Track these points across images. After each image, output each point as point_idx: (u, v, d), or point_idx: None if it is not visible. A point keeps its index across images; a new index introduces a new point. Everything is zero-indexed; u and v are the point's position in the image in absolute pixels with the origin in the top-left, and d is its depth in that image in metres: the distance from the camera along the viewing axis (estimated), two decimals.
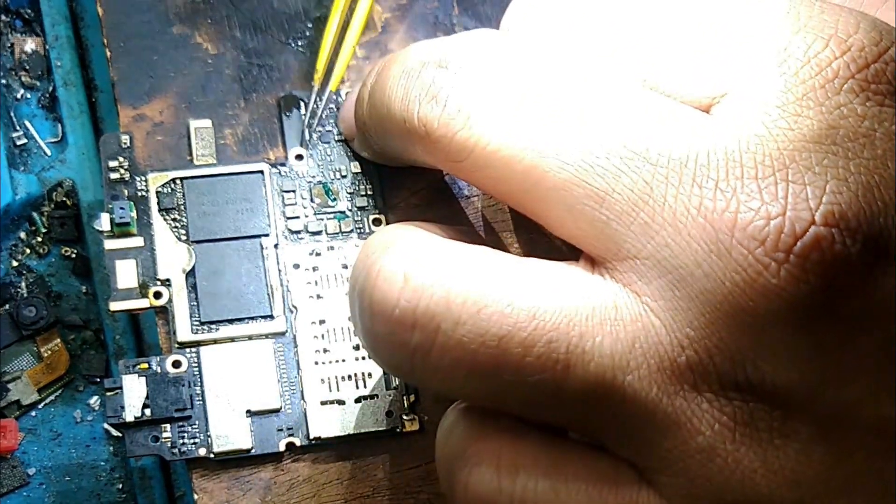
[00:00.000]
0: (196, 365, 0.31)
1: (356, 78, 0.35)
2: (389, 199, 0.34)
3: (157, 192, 0.33)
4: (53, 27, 0.42)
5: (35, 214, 0.40)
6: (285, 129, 0.34)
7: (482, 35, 0.27)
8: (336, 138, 0.35)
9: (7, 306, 0.39)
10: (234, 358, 0.32)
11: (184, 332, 0.32)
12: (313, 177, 0.34)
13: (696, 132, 0.25)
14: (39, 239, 0.40)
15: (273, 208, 0.33)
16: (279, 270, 0.33)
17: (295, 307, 0.32)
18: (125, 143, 0.33)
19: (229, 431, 0.31)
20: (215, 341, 0.32)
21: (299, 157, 0.34)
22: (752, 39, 0.25)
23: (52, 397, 0.39)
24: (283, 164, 0.34)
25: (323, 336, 0.32)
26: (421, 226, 0.28)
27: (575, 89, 0.26)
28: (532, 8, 0.28)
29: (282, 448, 0.31)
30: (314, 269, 0.33)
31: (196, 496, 0.31)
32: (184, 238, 0.33)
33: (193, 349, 0.32)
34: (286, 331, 0.32)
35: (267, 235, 0.33)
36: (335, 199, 0.34)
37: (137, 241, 0.32)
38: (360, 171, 0.34)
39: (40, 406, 0.38)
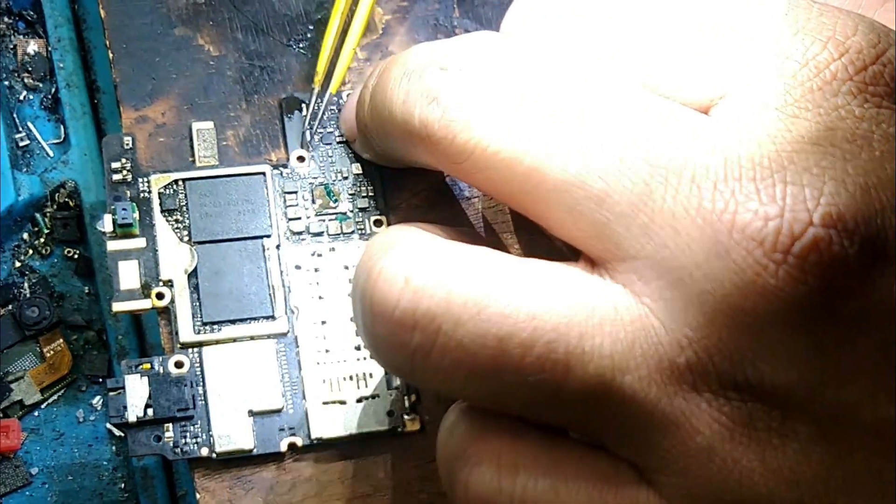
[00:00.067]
0: (198, 365, 0.32)
1: (357, 80, 0.35)
2: (391, 200, 0.34)
3: (160, 194, 0.33)
4: (56, 29, 0.42)
5: (38, 215, 0.40)
6: (287, 131, 0.35)
7: (483, 37, 0.27)
8: (337, 140, 0.35)
9: (10, 307, 0.39)
10: (236, 358, 0.32)
11: (186, 332, 0.32)
12: (315, 178, 0.34)
13: (696, 134, 0.25)
14: (42, 240, 0.40)
15: (275, 209, 0.33)
16: (281, 271, 0.33)
17: (296, 308, 0.33)
18: (127, 145, 0.33)
19: (231, 431, 0.31)
20: (217, 342, 0.32)
21: (301, 158, 0.34)
22: (750, 42, 0.25)
23: (54, 397, 0.39)
24: (284, 166, 0.34)
25: (324, 336, 0.32)
26: (422, 227, 0.28)
27: (575, 91, 0.26)
28: (532, 10, 0.28)
29: (283, 448, 0.31)
30: (316, 270, 0.33)
31: (198, 496, 0.31)
32: (186, 239, 0.33)
33: (196, 349, 0.32)
34: (288, 331, 0.32)
35: (269, 236, 0.33)
36: (336, 201, 0.34)
37: (140, 242, 0.32)
38: (361, 172, 0.34)
39: (43, 406, 0.39)
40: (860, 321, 0.23)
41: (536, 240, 0.33)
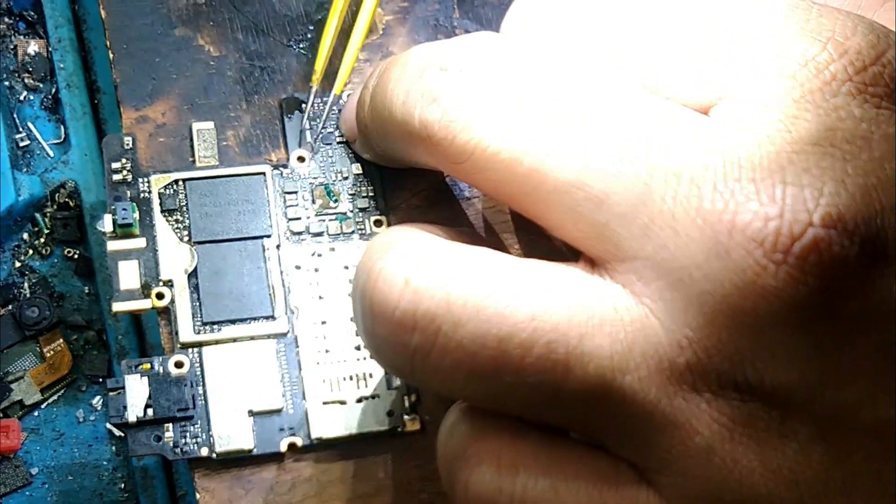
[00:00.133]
0: (198, 365, 0.32)
1: (357, 80, 0.35)
2: (391, 200, 0.34)
3: (160, 194, 0.33)
4: (56, 29, 0.42)
5: (38, 215, 0.40)
6: (287, 131, 0.35)
7: (483, 38, 0.27)
8: (337, 140, 0.35)
9: (10, 307, 0.39)
10: (236, 358, 0.32)
11: (186, 332, 0.32)
12: (315, 178, 0.34)
13: (696, 134, 0.25)
14: (42, 240, 0.40)
15: (275, 209, 0.33)
16: (281, 271, 0.33)
17: (296, 308, 0.33)
18: (128, 145, 0.33)
19: (231, 431, 0.31)
20: (217, 342, 0.32)
21: (301, 158, 0.34)
22: (750, 43, 0.25)
23: (54, 397, 0.39)
24: (284, 166, 0.34)
25: (324, 336, 0.32)
26: (422, 227, 0.28)
27: (575, 92, 0.26)
28: (532, 11, 0.28)
29: (283, 448, 0.31)
30: (316, 270, 0.33)
31: (198, 496, 0.31)
32: (186, 239, 0.33)
33: (195, 349, 0.32)
34: (288, 331, 0.32)
35: (269, 236, 0.33)
36: (337, 201, 0.34)
37: (140, 242, 0.32)
38: (361, 172, 0.34)
39: (43, 406, 0.39)
40: (860, 322, 0.23)
41: (536, 240, 0.33)
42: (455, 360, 0.25)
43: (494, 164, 0.26)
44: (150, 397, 0.31)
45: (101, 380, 0.39)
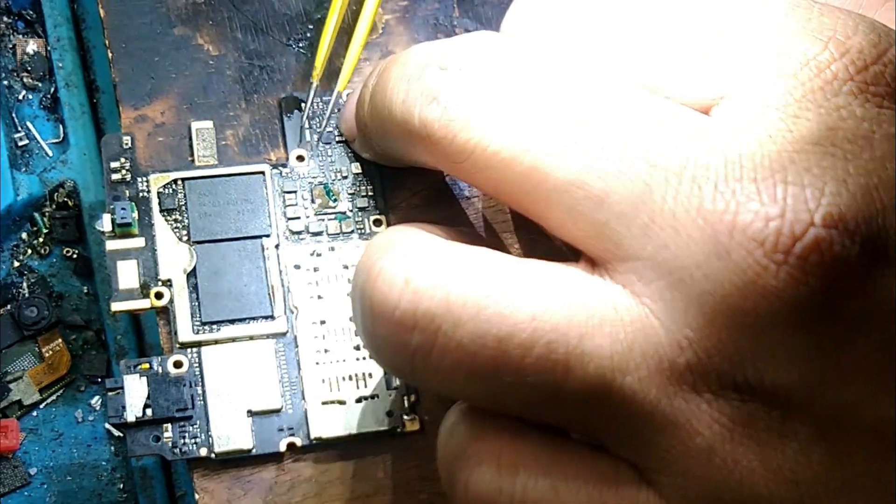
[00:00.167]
0: (197, 365, 0.32)
1: (357, 80, 0.35)
2: (390, 199, 0.34)
3: (159, 193, 0.33)
4: (55, 28, 0.42)
5: (37, 215, 0.40)
6: (286, 131, 0.35)
7: (483, 37, 0.27)
8: (337, 139, 0.35)
9: (9, 306, 0.39)
10: (235, 358, 0.32)
11: (185, 332, 0.32)
12: (314, 177, 0.34)
13: (696, 134, 0.25)
14: (41, 239, 0.40)
15: (274, 209, 0.33)
16: (280, 271, 0.33)
17: (296, 307, 0.33)
18: (126, 144, 0.33)
19: (230, 431, 0.31)
20: (216, 341, 0.32)
21: (300, 157, 0.34)
22: (751, 41, 0.25)
23: (53, 397, 0.39)
24: (284, 165, 0.34)
25: (324, 336, 0.32)
26: (422, 227, 0.28)
27: (575, 91, 0.26)
28: (532, 10, 0.28)
29: (283, 448, 0.31)
30: (315, 269, 0.33)
31: (197, 496, 0.31)
32: (185, 238, 0.33)
33: (195, 349, 0.32)
34: (287, 331, 0.32)
35: (268, 236, 0.33)
36: (336, 200, 0.34)
37: (139, 242, 0.32)
38: (360, 171, 0.34)
39: (42, 406, 0.38)
40: (861, 321, 0.23)
41: (536, 240, 0.33)
42: (455, 360, 0.25)
43: (494, 163, 0.26)
44: (148, 397, 0.31)
45: (99, 380, 0.39)
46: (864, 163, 0.23)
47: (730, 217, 0.23)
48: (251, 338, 0.32)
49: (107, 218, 0.32)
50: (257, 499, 0.31)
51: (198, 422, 0.31)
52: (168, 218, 0.33)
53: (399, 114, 0.27)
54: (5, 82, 0.41)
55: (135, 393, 0.31)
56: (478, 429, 0.27)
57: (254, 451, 0.31)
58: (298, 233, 0.33)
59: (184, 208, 0.33)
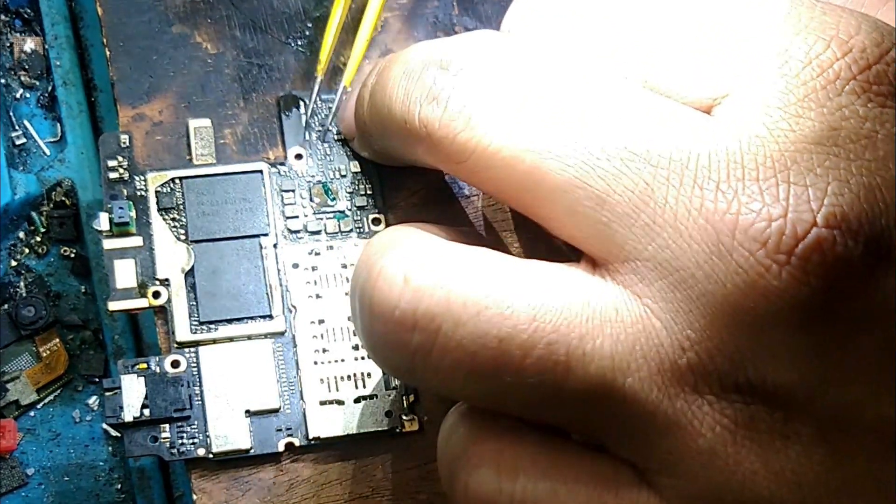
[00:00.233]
0: (195, 365, 0.31)
1: (356, 78, 0.35)
2: (389, 198, 0.34)
3: (157, 192, 0.33)
4: (53, 27, 0.41)
5: (34, 214, 0.40)
6: (285, 129, 0.34)
7: (483, 36, 0.27)
8: (336, 138, 0.34)
9: (6, 306, 0.39)
10: (233, 358, 0.32)
11: (183, 331, 0.32)
12: (313, 176, 0.34)
13: (698, 133, 0.24)
14: (38, 238, 0.40)
15: (272, 208, 0.33)
16: (278, 270, 0.33)
17: (294, 307, 0.32)
18: (124, 143, 0.33)
19: (228, 431, 0.31)
20: (214, 341, 0.32)
21: (299, 156, 0.34)
22: (753, 41, 0.25)
23: (50, 397, 0.39)
24: (282, 164, 0.34)
25: (322, 336, 0.32)
26: (422, 227, 0.28)
27: (576, 90, 0.26)
28: (533, 9, 0.28)
29: (281, 448, 0.31)
30: (313, 268, 0.33)
31: (195, 496, 0.31)
32: (183, 238, 0.33)
33: (192, 349, 0.32)
34: (285, 330, 0.32)
35: (266, 235, 0.33)
36: (335, 199, 0.34)
37: (136, 241, 0.32)
38: (359, 170, 0.34)
39: (39, 406, 0.38)
40: (863, 321, 0.23)
41: (537, 239, 0.33)
42: (455, 360, 0.25)
43: (495, 162, 0.25)
44: (146, 397, 0.31)
45: (97, 380, 0.39)
46: (867, 163, 0.23)
47: (731, 217, 0.23)
48: (249, 337, 0.32)
49: (104, 217, 0.32)
50: (255, 499, 0.31)
51: (196, 422, 0.31)
52: (166, 217, 0.33)
53: (399, 113, 0.27)
54: (2, 81, 0.41)
55: (132, 393, 0.31)
56: (478, 430, 0.27)
57: (252, 451, 0.31)
58: (297, 232, 0.33)
59: (182, 207, 0.33)
